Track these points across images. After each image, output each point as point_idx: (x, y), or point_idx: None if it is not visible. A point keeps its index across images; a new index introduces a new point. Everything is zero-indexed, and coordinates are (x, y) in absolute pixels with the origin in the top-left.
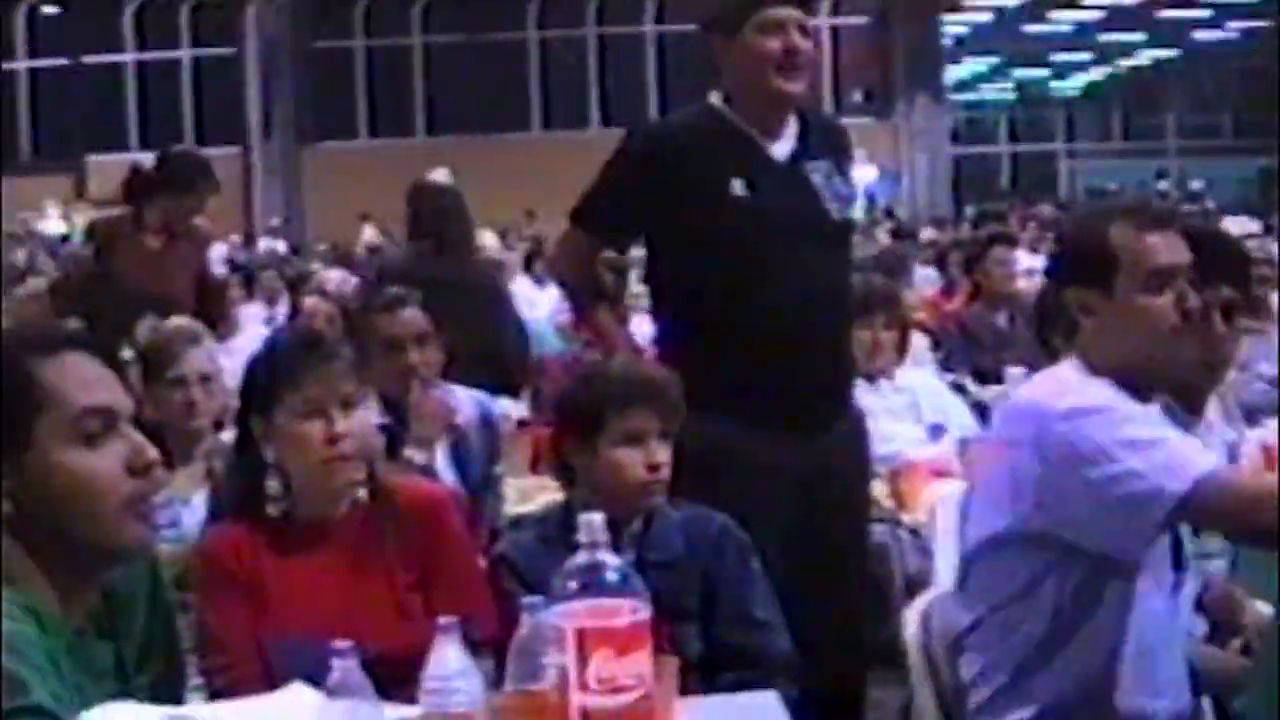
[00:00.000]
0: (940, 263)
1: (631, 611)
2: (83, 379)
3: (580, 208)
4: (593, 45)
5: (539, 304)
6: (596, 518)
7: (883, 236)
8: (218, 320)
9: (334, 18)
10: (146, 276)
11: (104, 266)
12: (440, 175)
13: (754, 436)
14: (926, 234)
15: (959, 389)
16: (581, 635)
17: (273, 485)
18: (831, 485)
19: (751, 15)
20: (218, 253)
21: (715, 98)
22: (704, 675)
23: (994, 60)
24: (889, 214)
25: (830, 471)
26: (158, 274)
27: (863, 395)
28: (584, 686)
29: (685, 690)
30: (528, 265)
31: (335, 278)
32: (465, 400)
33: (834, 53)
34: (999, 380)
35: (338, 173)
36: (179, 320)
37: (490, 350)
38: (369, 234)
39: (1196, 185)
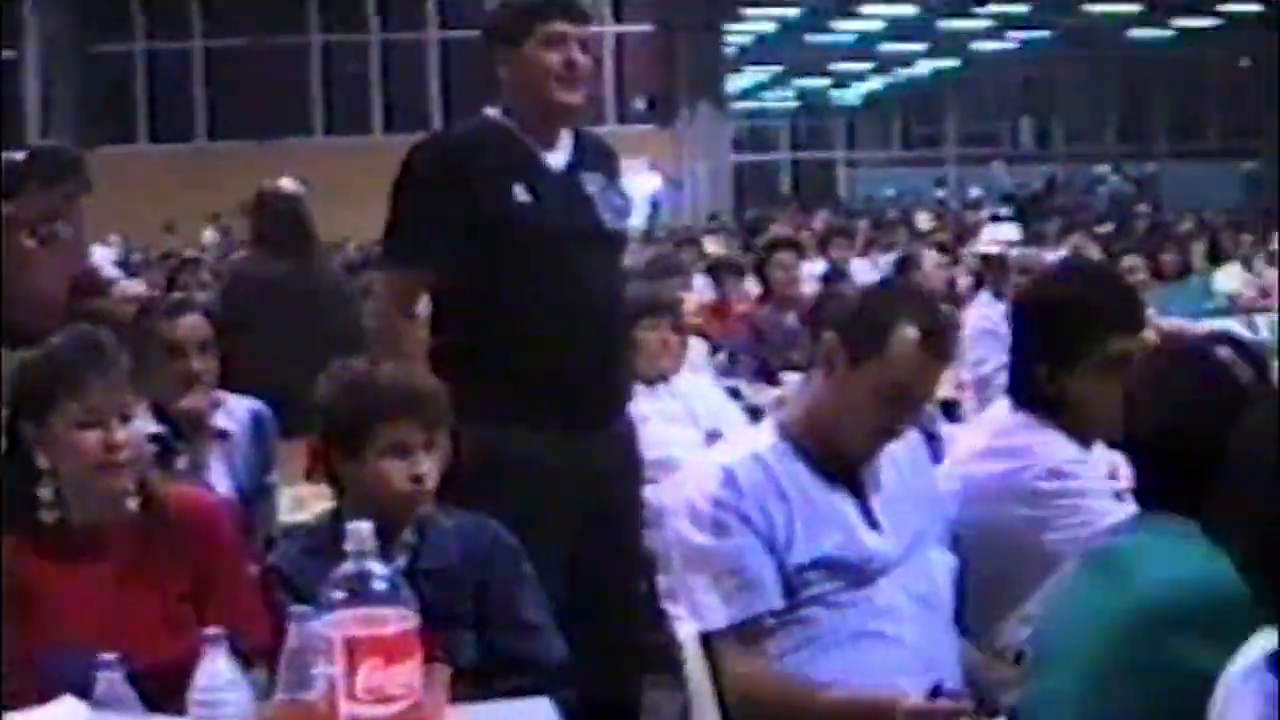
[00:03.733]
0: (714, 269)
1: (399, 620)
2: None
3: (390, 248)
4: (376, 50)
5: None
6: (365, 526)
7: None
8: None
9: (116, 19)
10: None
11: None
12: (286, 183)
13: (527, 439)
14: (707, 240)
15: (734, 394)
16: (350, 644)
17: (45, 492)
18: (607, 488)
19: (534, 28)
20: (104, 255)
21: (492, 110)
22: (480, 682)
23: (776, 69)
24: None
25: (605, 474)
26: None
27: (640, 400)
28: (352, 695)
29: (459, 698)
30: None
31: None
32: (238, 408)
33: (617, 60)
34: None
35: (119, 177)
36: None
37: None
38: (209, 235)
39: (975, 193)
